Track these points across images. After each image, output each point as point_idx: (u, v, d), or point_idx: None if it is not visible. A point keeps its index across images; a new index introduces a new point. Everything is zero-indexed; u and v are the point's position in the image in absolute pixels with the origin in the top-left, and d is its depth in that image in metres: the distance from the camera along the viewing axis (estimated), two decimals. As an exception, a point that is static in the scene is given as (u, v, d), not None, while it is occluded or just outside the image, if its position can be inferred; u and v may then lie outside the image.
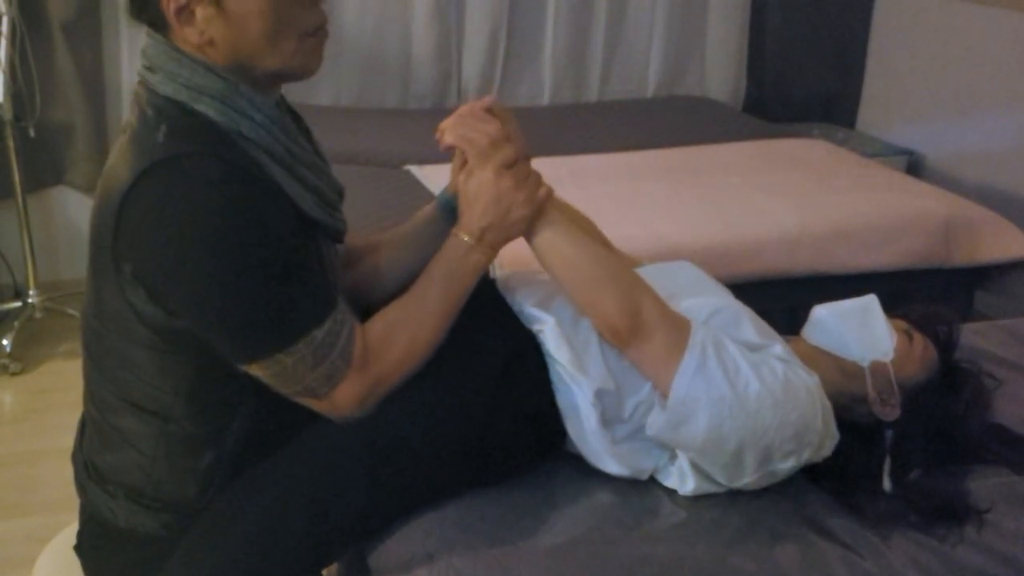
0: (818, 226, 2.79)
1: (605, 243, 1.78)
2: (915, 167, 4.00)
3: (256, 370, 1.32)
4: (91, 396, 1.47)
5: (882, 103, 4.25)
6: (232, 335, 1.30)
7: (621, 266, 1.51)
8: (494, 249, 1.47)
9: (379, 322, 1.41)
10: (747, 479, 1.48)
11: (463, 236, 1.45)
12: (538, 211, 1.47)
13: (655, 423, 1.46)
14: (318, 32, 1.34)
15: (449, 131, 1.49)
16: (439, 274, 1.45)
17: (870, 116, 4.32)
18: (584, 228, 1.68)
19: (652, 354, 1.45)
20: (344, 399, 1.37)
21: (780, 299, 2.65)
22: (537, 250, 1.51)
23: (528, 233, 1.49)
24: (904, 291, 2.81)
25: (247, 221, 1.25)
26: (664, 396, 1.45)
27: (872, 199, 2.96)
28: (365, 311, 1.46)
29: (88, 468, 1.48)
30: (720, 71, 4.32)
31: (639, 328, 1.45)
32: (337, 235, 1.46)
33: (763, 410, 1.41)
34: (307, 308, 1.31)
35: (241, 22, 1.27)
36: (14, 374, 3.21)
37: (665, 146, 3.49)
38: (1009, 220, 2.97)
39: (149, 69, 1.32)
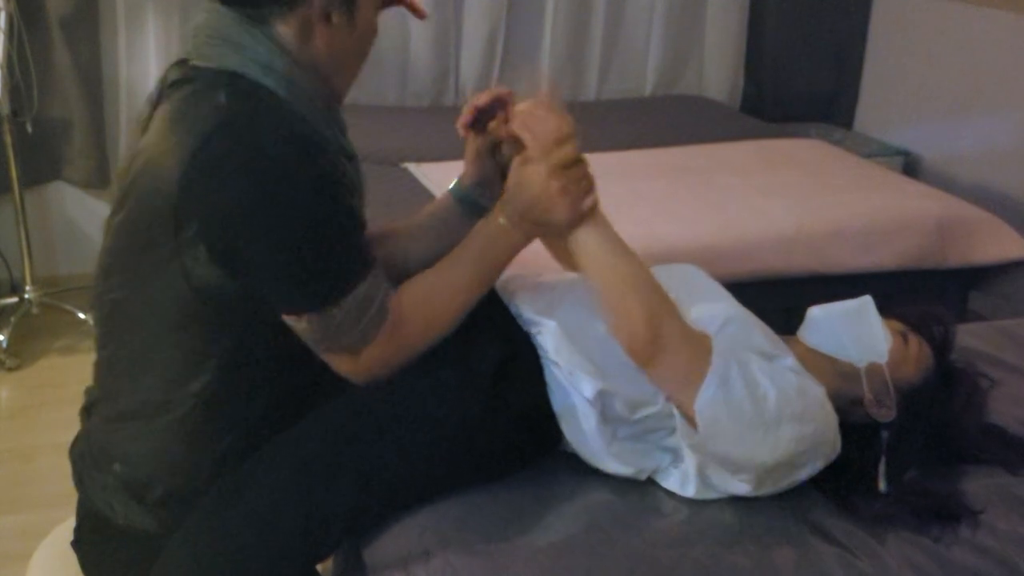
0: (814, 226, 2.79)
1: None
2: (911, 167, 4.01)
3: (303, 323, 1.34)
4: (102, 385, 1.48)
5: (879, 103, 4.25)
6: (292, 285, 1.32)
7: (653, 281, 1.49)
8: (530, 236, 1.48)
9: (414, 287, 1.44)
10: (767, 490, 1.48)
11: (501, 219, 1.45)
12: (580, 218, 1.46)
13: (685, 435, 1.46)
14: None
15: (517, 120, 1.47)
16: (474, 249, 1.47)
17: (867, 116, 4.32)
18: None
19: (673, 371, 1.44)
20: (371, 359, 1.40)
21: (776, 299, 2.66)
22: (575, 248, 1.49)
23: (570, 236, 1.48)
24: (899, 292, 2.82)
25: (315, 176, 1.29)
26: (684, 413, 1.44)
27: (868, 200, 2.96)
28: None
29: (88, 465, 1.48)
30: (718, 70, 4.32)
31: (661, 344, 1.43)
32: (362, 224, 1.47)
33: (784, 425, 1.42)
34: (356, 262, 1.35)
35: (363, 36, 1.41)
36: (10, 370, 3.21)
37: (662, 145, 3.50)
38: (1005, 220, 2.97)
39: (209, 42, 1.34)
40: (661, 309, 1.45)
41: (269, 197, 1.27)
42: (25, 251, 3.41)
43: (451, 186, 1.64)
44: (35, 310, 3.43)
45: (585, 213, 1.46)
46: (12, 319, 3.34)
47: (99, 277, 1.43)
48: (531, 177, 1.42)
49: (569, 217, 1.44)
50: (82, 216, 3.70)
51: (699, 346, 1.46)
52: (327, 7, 1.34)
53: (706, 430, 1.42)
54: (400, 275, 1.54)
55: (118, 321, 1.42)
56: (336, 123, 1.43)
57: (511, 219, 1.45)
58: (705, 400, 1.42)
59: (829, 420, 1.47)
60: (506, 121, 1.50)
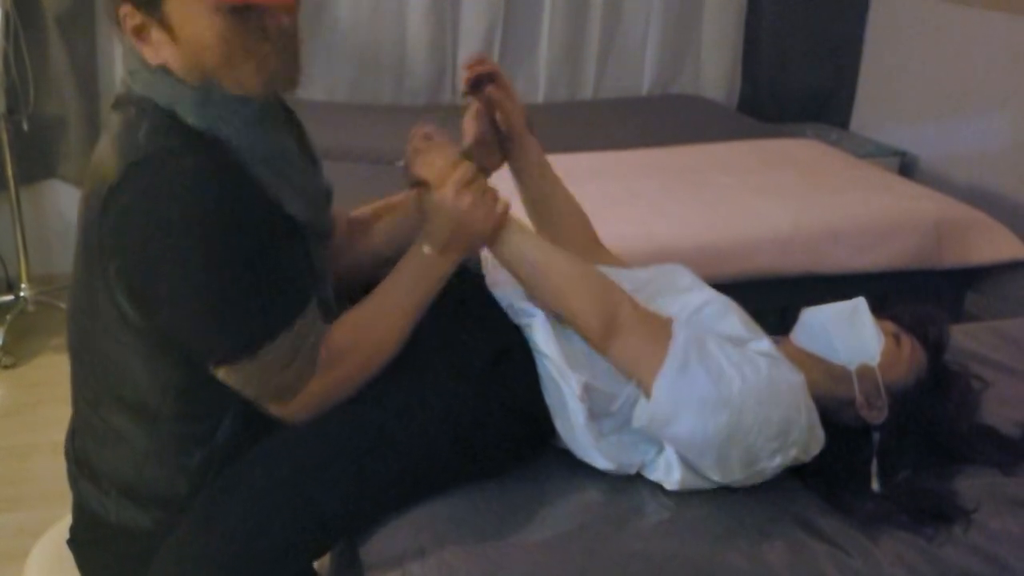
0: (811, 226, 2.80)
1: (594, 239, 1.80)
2: (908, 168, 4.02)
3: (225, 374, 1.33)
4: (79, 394, 1.48)
5: (876, 104, 4.26)
6: (203, 335, 1.31)
7: (592, 270, 1.54)
8: (456, 259, 1.50)
9: (344, 327, 1.43)
10: (735, 476, 1.49)
11: (425, 248, 1.48)
12: (499, 225, 1.50)
13: (640, 418, 1.48)
14: (283, 48, 1.32)
15: (414, 164, 1.52)
16: (403, 282, 1.48)
17: (864, 117, 4.33)
18: (573, 222, 1.74)
19: (632, 355, 1.48)
20: (304, 402, 1.39)
21: (772, 299, 2.67)
22: (504, 262, 1.54)
23: (495, 244, 1.52)
24: (896, 292, 2.83)
25: (223, 220, 1.25)
26: (647, 396, 1.46)
27: (864, 200, 2.97)
28: (367, 286, 1.50)
29: (79, 464, 1.49)
30: (715, 70, 4.33)
31: (616, 331, 1.48)
32: (324, 234, 1.47)
33: (746, 409, 1.43)
34: (277, 312, 1.32)
35: (192, 51, 1.28)
36: (6, 367, 3.21)
37: (659, 145, 3.51)
38: (1001, 220, 2.98)
39: (131, 72, 1.33)
40: (608, 296, 1.50)
41: (177, 244, 1.25)
42: (21, 249, 3.41)
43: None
44: (31, 308, 3.44)
45: (501, 218, 1.50)
46: (8, 317, 3.34)
47: (69, 294, 1.44)
48: (441, 202, 1.46)
49: (488, 226, 1.49)
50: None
51: (657, 329, 1.49)
52: (140, 23, 1.27)
53: (665, 413, 1.45)
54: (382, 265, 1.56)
55: (81, 340, 1.43)
56: (277, 127, 1.39)
57: (435, 247, 1.47)
58: (664, 383, 1.44)
59: (800, 408, 1.47)
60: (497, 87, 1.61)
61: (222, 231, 1.25)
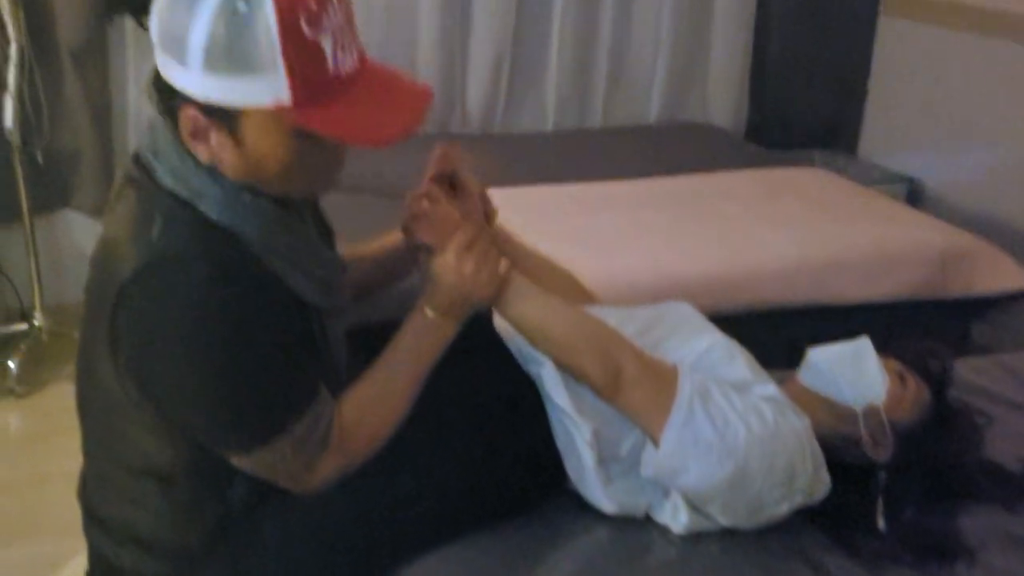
0: (817, 257, 2.80)
1: (584, 295, 1.81)
2: (915, 194, 4.02)
3: (237, 461, 1.35)
4: (89, 455, 1.49)
5: (883, 131, 4.28)
6: (213, 429, 1.33)
7: (595, 325, 1.55)
8: (460, 321, 1.51)
9: (352, 401, 1.44)
10: (742, 522, 1.50)
11: (429, 312, 1.49)
12: (502, 287, 1.51)
13: (647, 468, 1.49)
14: (339, 163, 1.35)
15: (417, 227, 1.53)
16: (407, 349, 1.49)
17: (871, 143, 4.35)
18: (558, 283, 1.74)
19: (638, 408, 1.50)
20: (322, 479, 1.40)
21: (779, 331, 2.68)
22: (510, 322, 1.56)
23: (499, 306, 1.54)
24: (902, 322, 2.83)
25: (231, 326, 1.26)
26: (655, 444, 1.48)
27: (871, 230, 2.98)
28: None
29: (91, 515, 1.50)
30: (723, 97, 4.34)
31: (622, 385, 1.50)
32: (337, 309, 1.48)
33: (751, 458, 1.44)
34: (287, 404, 1.33)
35: (256, 159, 1.27)
36: (20, 396, 3.23)
37: (667, 173, 3.52)
38: (1009, 248, 2.98)
39: (153, 153, 1.31)
40: (613, 350, 1.51)
41: (184, 351, 1.26)
42: (35, 278, 3.44)
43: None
44: (44, 337, 3.45)
45: (504, 280, 1.51)
46: (22, 346, 3.36)
47: (79, 352, 1.44)
48: (443, 267, 1.48)
49: (491, 289, 1.50)
50: (91, 243, 3.64)
51: (662, 380, 1.51)
52: (203, 125, 1.25)
53: (672, 464, 1.46)
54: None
55: (88, 405, 1.44)
56: (301, 228, 1.40)
57: (438, 310, 1.48)
58: (670, 435, 1.46)
59: (805, 455, 1.49)
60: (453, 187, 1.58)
61: (233, 334, 1.26)
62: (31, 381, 3.30)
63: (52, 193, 3.60)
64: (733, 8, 4.21)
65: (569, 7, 4.00)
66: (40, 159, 3.30)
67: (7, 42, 3.10)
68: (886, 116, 4.25)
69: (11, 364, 3.28)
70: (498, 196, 3.26)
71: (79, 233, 3.74)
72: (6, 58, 3.12)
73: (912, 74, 4.08)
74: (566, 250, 2.70)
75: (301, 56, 1.17)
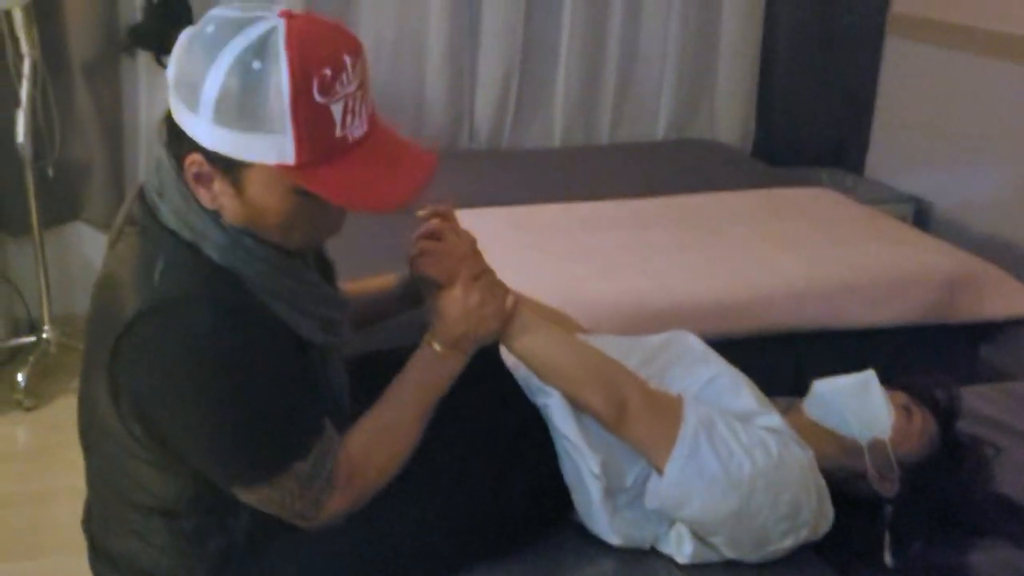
0: (824, 280, 2.80)
1: (579, 331, 1.82)
2: (923, 214, 4.02)
3: (244, 496, 1.35)
4: (93, 488, 1.49)
5: (890, 150, 4.28)
6: (218, 467, 1.34)
7: (599, 358, 1.56)
8: (467, 355, 1.51)
9: (358, 437, 1.43)
10: (747, 555, 1.51)
11: (436, 346, 1.49)
12: (508, 320, 1.52)
13: (652, 500, 1.50)
14: (339, 218, 1.35)
15: (420, 262, 1.52)
16: (414, 383, 1.49)
17: (878, 163, 4.35)
18: (557, 321, 1.74)
19: (643, 440, 1.51)
20: (330, 515, 1.40)
21: (786, 354, 2.68)
22: (516, 355, 1.56)
23: (505, 340, 1.54)
24: (909, 346, 2.82)
25: (236, 366, 1.26)
26: (660, 475, 1.49)
27: (878, 253, 2.97)
28: None
29: (95, 548, 1.51)
30: (730, 115, 4.35)
31: (627, 418, 1.50)
32: (340, 346, 1.48)
33: (756, 491, 1.45)
34: (292, 443, 1.33)
35: (257, 210, 1.27)
36: (28, 409, 3.24)
37: (674, 192, 3.52)
38: (1018, 268, 2.97)
39: (159, 193, 1.31)
40: (617, 383, 1.52)
41: (187, 393, 1.26)
42: (44, 291, 3.44)
43: (400, 275, 1.69)
44: (53, 350, 3.45)
45: (511, 314, 1.52)
46: (30, 359, 3.36)
47: (80, 382, 1.43)
48: (449, 301, 1.48)
49: (498, 323, 1.51)
50: (100, 257, 3.69)
51: (666, 410, 1.51)
52: (207, 171, 1.25)
53: (676, 496, 1.47)
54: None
55: (90, 437, 1.44)
56: (302, 271, 1.39)
57: (445, 345, 1.49)
58: (675, 467, 1.47)
59: (810, 488, 1.50)
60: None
61: (235, 376, 1.27)
62: (39, 394, 3.31)
63: (62, 206, 3.62)
64: (740, 26, 4.21)
65: (577, 24, 4.01)
66: (51, 172, 3.31)
67: (20, 57, 3.12)
68: (893, 136, 4.26)
69: (19, 377, 3.28)
70: (505, 215, 3.27)
71: (89, 246, 3.75)
72: (19, 73, 3.13)
73: (919, 94, 4.08)
74: (572, 271, 2.72)
75: (310, 121, 1.18)
